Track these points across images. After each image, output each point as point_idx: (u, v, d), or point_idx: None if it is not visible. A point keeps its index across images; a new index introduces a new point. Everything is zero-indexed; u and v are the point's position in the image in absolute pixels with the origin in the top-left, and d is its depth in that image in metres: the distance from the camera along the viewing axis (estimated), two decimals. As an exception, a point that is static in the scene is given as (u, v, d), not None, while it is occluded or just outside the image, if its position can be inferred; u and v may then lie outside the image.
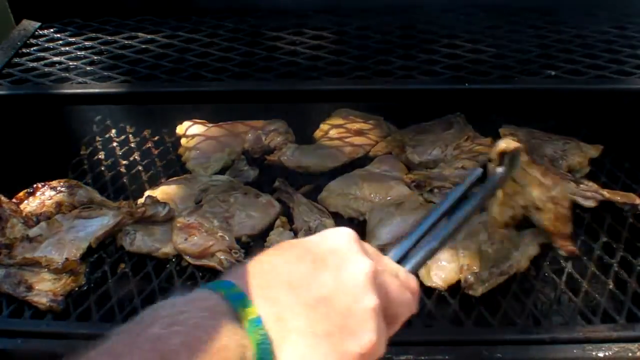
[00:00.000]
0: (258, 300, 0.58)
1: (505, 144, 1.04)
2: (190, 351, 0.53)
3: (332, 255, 0.64)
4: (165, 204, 1.47)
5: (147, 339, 0.55)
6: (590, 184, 1.54)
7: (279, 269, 0.62)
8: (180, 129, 1.80)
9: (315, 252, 0.65)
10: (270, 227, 1.49)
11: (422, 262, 0.79)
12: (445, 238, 0.83)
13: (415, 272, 0.77)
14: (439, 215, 0.86)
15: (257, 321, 0.57)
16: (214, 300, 0.58)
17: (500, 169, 1.02)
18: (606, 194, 1.50)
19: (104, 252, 1.43)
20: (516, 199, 1.21)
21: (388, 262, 0.73)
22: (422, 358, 1.12)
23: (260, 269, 0.62)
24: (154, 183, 1.67)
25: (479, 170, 0.97)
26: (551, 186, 1.21)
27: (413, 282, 0.73)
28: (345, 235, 0.68)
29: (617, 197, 1.49)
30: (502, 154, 1.02)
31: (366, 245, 0.70)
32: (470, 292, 1.25)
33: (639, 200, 1.48)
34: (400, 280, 0.70)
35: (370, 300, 0.63)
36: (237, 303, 0.57)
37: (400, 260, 0.78)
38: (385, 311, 0.65)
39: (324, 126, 1.84)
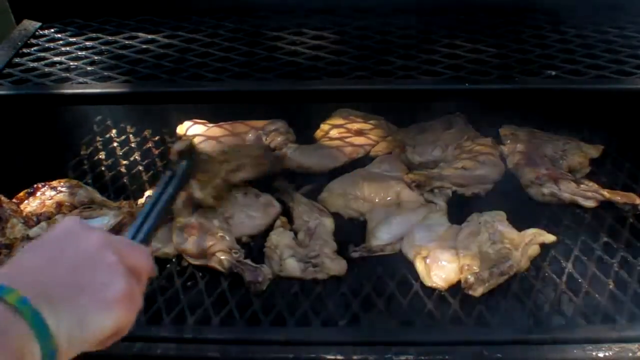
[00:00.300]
0: (19, 285, 0.67)
1: (179, 145, 1.28)
2: None
3: (67, 237, 0.76)
4: (165, 204, 1.47)
5: None
6: (591, 184, 1.54)
7: (32, 259, 0.73)
8: (180, 129, 1.80)
9: (52, 240, 0.76)
10: (270, 227, 1.49)
11: (148, 234, 0.95)
12: (157, 219, 1.00)
13: (143, 242, 0.93)
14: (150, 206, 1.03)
15: (23, 300, 0.65)
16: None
17: (182, 163, 1.21)
18: (606, 194, 1.50)
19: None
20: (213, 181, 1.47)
21: (118, 237, 0.85)
22: (422, 358, 1.12)
23: (19, 263, 0.73)
24: (154, 183, 1.67)
25: (168, 175, 1.15)
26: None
27: (142, 247, 0.87)
28: (69, 220, 0.80)
29: (618, 197, 1.49)
30: (180, 153, 1.25)
31: (94, 225, 0.86)
32: (471, 292, 1.26)
33: (639, 200, 1.48)
34: (131, 245, 0.84)
35: (110, 257, 0.75)
36: (2, 292, 0.66)
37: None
38: (127, 265, 0.76)
39: (324, 126, 1.84)
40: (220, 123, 1.82)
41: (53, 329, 0.66)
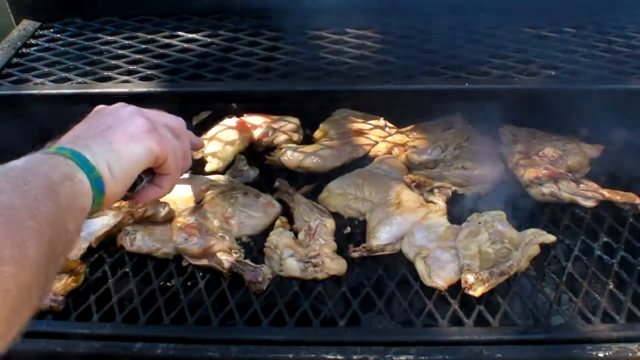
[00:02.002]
0: (60, 143, 0.86)
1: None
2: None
3: (106, 111, 0.97)
4: (165, 204, 1.47)
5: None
6: (590, 183, 1.54)
7: (73, 130, 0.93)
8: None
9: (94, 114, 0.97)
10: (270, 227, 1.49)
11: None
12: None
13: None
14: None
15: (63, 147, 0.82)
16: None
17: None
18: (606, 193, 1.50)
19: (104, 252, 1.43)
20: None
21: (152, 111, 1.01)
22: (422, 358, 1.12)
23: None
24: (154, 183, 1.66)
25: None
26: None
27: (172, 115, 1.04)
28: (117, 104, 0.98)
29: (617, 196, 1.49)
30: None
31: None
32: (470, 292, 1.25)
33: (639, 200, 1.48)
34: (161, 112, 1.02)
35: (138, 118, 0.93)
36: (46, 150, 0.82)
37: None
38: (159, 122, 0.96)
39: (324, 126, 1.84)
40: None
41: (91, 160, 0.81)
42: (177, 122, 0.99)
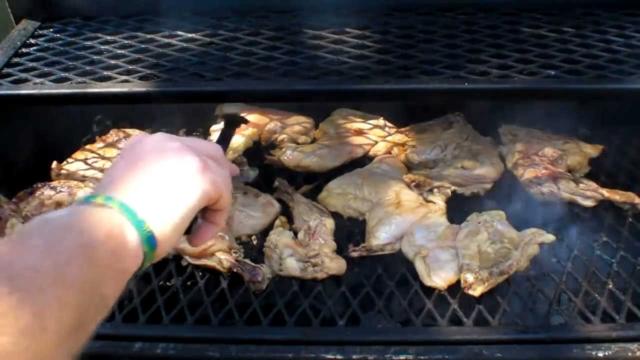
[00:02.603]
0: (103, 191, 0.76)
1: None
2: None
3: (152, 149, 0.84)
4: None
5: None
6: (590, 183, 1.54)
7: (116, 171, 0.82)
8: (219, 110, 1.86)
9: (140, 150, 0.84)
10: (270, 227, 1.49)
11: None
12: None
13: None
14: None
15: (110, 197, 0.74)
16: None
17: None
18: (606, 193, 1.50)
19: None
20: None
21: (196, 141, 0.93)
22: (422, 357, 1.12)
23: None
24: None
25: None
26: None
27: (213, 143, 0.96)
28: (157, 135, 0.87)
29: (617, 196, 1.49)
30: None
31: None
32: (470, 292, 1.25)
33: (638, 200, 1.48)
34: (202, 141, 0.93)
35: (192, 159, 0.83)
36: (90, 198, 0.75)
37: None
38: (203, 154, 0.85)
39: (323, 126, 1.84)
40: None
41: (140, 214, 0.73)
42: (217, 150, 0.90)
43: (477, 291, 1.25)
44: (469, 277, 1.26)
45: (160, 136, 0.86)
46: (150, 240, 0.74)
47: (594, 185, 1.53)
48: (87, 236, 0.67)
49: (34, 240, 0.64)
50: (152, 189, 0.77)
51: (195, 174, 0.81)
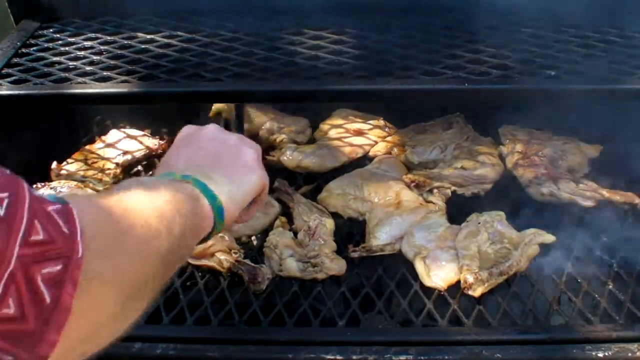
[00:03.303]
0: (180, 170, 0.89)
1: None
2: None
3: (210, 136, 0.98)
4: (165, 204, 1.47)
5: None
6: (590, 183, 1.54)
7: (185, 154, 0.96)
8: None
9: (200, 139, 0.98)
10: (269, 227, 1.49)
11: None
12: None
13: None
14: None
15: (187, 176, 0.86)
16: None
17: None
18: (606, 193, 1.50)
19: (104, 252, 1.42)
20: None
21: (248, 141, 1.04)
22: (422, 358, 1.12)
23: (175, 157, 0.95)
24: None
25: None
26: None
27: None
28: (213, 126, 1.00)
29: (617, 196, 1.49)
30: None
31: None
32: (470, 292, 1.25)
33: (638, 200, 1.48)
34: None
35: (251, 151, 0.98)
36: (169, 175, 0.88)
37: None
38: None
39: (324, 126, 1.84)
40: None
41: (215, 190, 0.86)
42: (258, 148, 1.01)
43: (477, 292, 1.25)
44: (469, 278, 1.26)
45: (215, 129, 0.99)
46: (220, 211, 0.86)
47: (594, 185, 1.53)
48: (174, 194, 0.78)
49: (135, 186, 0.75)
50: (220, 171, 0.90)
51: (254, 164, 0.96)
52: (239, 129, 1.18)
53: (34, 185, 1.57)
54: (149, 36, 1.61)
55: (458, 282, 1.30)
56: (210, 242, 1.37)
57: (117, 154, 1.77)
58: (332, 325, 1.23)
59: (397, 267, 1.38)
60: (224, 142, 0.97)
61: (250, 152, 0.97)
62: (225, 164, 0.93)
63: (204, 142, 0.96)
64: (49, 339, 0.54)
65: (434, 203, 1.52)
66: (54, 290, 0.54)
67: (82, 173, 1.67)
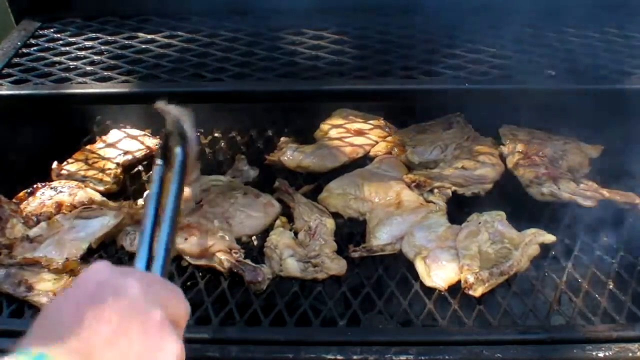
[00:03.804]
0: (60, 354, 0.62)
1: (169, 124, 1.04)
2: None
3: (101, 291, 0.68)
4: (165, 204, 1.47)
5: None
6: (590, 183, 1.54)
7: (70, 321, 0.65)
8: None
9: (88, 294, 0.68)
10: (270, 227, 1.49)
11: (167, 261, 0.86)
12: (170, 231, 0.90)
13: (165, 274, 0.85)
14: (154, 211, 0.92)
15: None
16: None
17: (178, 149, 1.01)
18: (606, 193, 1.50)
19: (104, 252, 1.43)
20: None
21: (152, 278, 0.79)
22: (422, 358, 1.12)
23: (57, 323, 0.66)
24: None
25: (159, 166, 1.00)
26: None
27: (177, 289, 0.78)
28: (100, 271, 0.72)
29: (617, 196, 1.49)
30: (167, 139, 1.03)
31: (125, 270, 0.75)
32: (470, 292, 1.25)
33: (638, 200, 1.48)
34: (169, 290, 0.76)
35: (156, 314, 0.69)
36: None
37: (149, 263, 0.86)
38: (171, 318, 0.71)
39: (324, 126, 1.84)
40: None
41: None
42: (185, 311, 0.76)
43: (477, 291, 1.25)
44: (470, 278, 1.26)
45: (135, 291, 0.69)
46: None
47: (594, 185, 1.53)
48: None
49: None
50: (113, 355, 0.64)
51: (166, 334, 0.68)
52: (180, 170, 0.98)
53: (35, 186, 1.57)
54: (149, 36, 1.61)
55: (458, 282, 1.30)
56: (210, 242, 1.37)
57: (117, 154, 1.77)
58: (333, 325, 1.23)
59: (398, 267, 1.38)
60: (125, 297, 0.68)
61: (175, 346, 0.69)
62: (123, 342, 0.65)
63: (99, 298, 0.67)
64: None
65: (434, 203, 1.52)
66: None
67: (82, 173, 1.67)
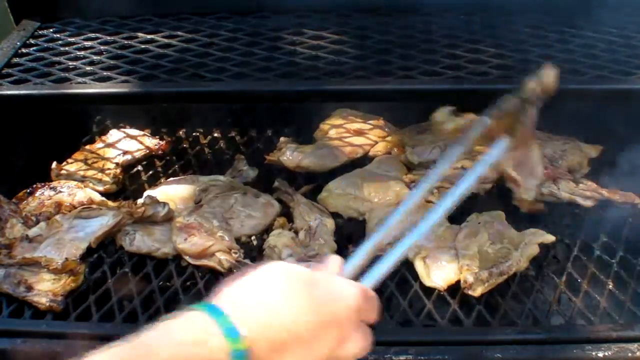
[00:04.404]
0: (261, 353, 0.61)
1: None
2: None
3: (336, 322, 0.69)
4: (165, 204, 1.47)
5: None
6: (589, 183, 1.54)
7: (281, 313, 0.65)
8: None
9: (323, 310, 0.68)
10: (269, 227, 1.49)
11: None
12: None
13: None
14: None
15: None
16: (217, 346, 0.60)
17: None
18: (605, 193, 1.50)
19: (104, 252, 1.42)
20: None
21: (367, 292, 0.79)
22: (422, 358, 1.12)
23: (264, 308, 0.65)
24: (154, 183, 1.67)
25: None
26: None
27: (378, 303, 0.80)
28: (352, 299, 0.72)
29: (617, 196, 1.49)
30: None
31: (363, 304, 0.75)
32: (470, 292, 1.25)
33: (638, 200, 1.48)
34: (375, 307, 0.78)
35: (357, 337, 0.71)
36: (240, 357, 0.60)
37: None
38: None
39: (324, 126, 1.84)
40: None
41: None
42: (374, 318, 0.78)
43: (477, 291, 1.25)
44: (469, 278, 1.26)
45: (352, 301, 0.72)
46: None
47: (593, 185, 1.53)
48: None
49: None
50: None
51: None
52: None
53: (34, 186, 1.57)
54: (149, 36, 1.61)
55: (458, 282, 1.29)
56: (210, 242, 1.37)
57: (117, 154, 1.77)
58: (332, 325, 1.23)
59: (397, 267, 1.38)
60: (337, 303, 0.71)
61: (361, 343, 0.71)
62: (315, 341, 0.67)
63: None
64: None
65: (434, 203, 1.51)
66: None
67: (82, 173, 1.67)
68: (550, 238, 1.40)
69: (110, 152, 1.78)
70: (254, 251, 1.45)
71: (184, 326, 0.62)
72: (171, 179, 1.66)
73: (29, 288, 1.29)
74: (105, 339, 1.19)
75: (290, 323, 0.65)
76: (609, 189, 1.51)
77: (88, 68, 1.47)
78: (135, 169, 1.76)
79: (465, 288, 1.26)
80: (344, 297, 0.71)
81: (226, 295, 0.65)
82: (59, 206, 1.52)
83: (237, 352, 0.60)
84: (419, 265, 1.34)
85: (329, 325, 0.68)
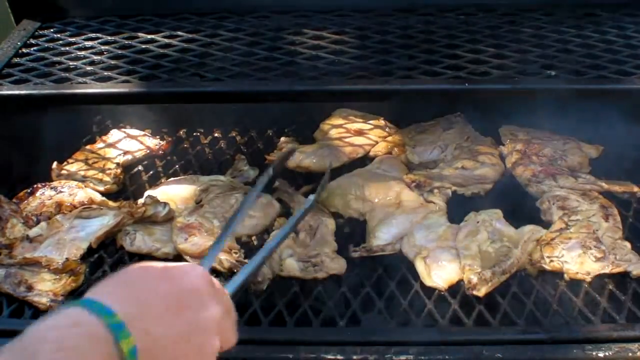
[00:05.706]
0: (134, 331, 0.68)
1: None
2: None
3: (193, 296, 0.77)
4: (165, 204, 1.47)
5: None
6: (588, 176, 1.54)
7: (150, 300, 0.73)
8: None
9: (179, 288, 0.77)
10: (270, 227, 1.49)
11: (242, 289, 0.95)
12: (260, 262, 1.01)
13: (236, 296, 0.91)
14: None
15: (134, 351, 0.67)
16: (96, 326, 0.66)
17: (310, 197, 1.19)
18: (605, 185, 1.50)
19: (104, 252, 1.43)
20: None
21: (229, 305, 0.85)
22: (422, 358, 1.12)
23: (134, 295, 0.73)
24: (155, 183, 1.67)
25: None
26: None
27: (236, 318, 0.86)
28: (202, 277, 0.80)
29: (616, 187, 1.50)
30: None
31: (216, 283, 0.83)
32: (474, 293, 1.25)
33: (637, 189, 1.48)
34: (232, 317, 0.84)
35: (215, 345, 0.78)
36: (118, 333, 0.67)
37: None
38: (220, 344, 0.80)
39: (324, 126, 1.84)
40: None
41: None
42: (233, 343, 0.83)
43: (481, 291, 1.25)
44: (473, 278, 1.26)
45: (215, 314, 0.78)
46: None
47: (592, 178, 1.53)
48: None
49: None
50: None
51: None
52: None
53: (35, 186, 1.57)
54: (149, 36, 1.61)
55: (458, 282, 1.29)
56: (210, 242, 1.37)
57: (117, 154, 1.77)
58: (333, 325, 1.23)
59: (398, 267, 1.38)
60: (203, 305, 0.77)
61: (215, 346, 0.77)
62: (188, 356, 0.74)
63: (185, 299, 0.75)
64: None
65: (434, 203, 1.52)
66: None
67: (82, 173, 1.68)
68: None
69: (110, 152, 1.78)
70: (254, 251, 1.45)
71: (61, 315, 0.67)
72: (172, 179, 1.66)
73: (30, 288, 1.29)
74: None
75: (153, 297, 0.73)
76: (607, 180, 1.51)
77: (88, 68, 1.47)
78: (135, 169, 1.77)
79: (470, 288, 1.26)
80: (189, 271, 0.80)
81: (90, 291, 0.72)
82: (59, 206, 1.52)
83: (114, 325, 0.67)
84: (419, 265, 1.34)
85: (184, 293, 0.76)
